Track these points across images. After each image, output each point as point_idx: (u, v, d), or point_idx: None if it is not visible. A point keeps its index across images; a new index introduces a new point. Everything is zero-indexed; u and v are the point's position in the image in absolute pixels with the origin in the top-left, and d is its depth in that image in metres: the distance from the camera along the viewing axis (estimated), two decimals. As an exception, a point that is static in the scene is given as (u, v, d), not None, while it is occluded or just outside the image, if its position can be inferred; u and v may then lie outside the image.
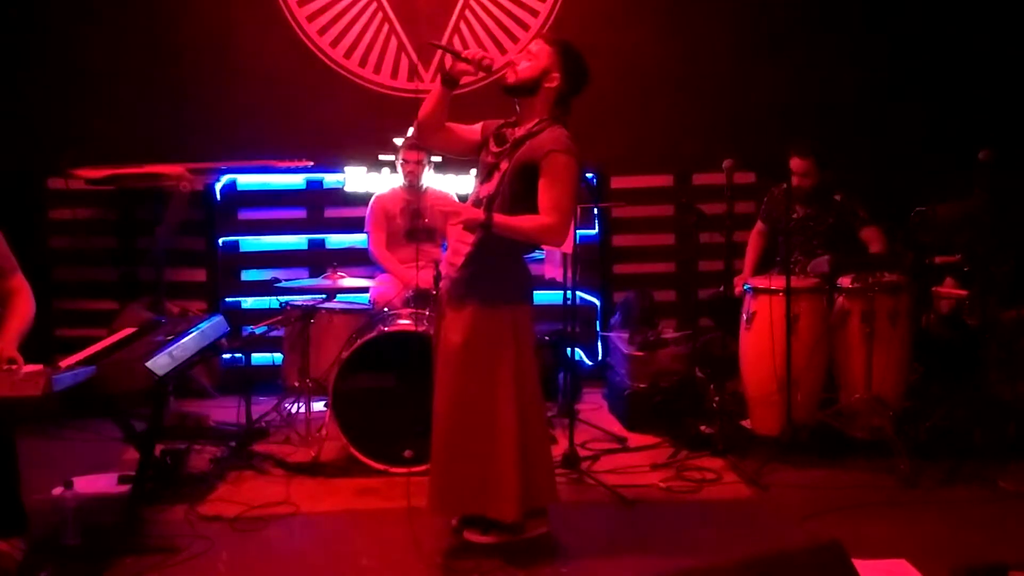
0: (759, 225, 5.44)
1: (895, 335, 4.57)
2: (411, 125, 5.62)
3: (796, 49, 6.16)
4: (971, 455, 4.36)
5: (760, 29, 6.20)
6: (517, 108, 3.54)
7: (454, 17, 6.13)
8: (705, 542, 3.68)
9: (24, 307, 3.46)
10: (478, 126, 3.65)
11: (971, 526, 3.78)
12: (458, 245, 3.55)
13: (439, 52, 6.06)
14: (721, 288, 5.08)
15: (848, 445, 4.53)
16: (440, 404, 3.54)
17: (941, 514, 3.90)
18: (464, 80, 3.54)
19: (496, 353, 3.44)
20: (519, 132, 3.49)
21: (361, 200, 5.77)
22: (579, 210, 4.33)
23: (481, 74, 3.53)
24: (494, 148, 3.54)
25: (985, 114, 5.88)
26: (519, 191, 3.42)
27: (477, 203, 3.51)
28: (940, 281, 5.10)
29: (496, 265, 3.48)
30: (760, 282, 4.76)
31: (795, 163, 5.09)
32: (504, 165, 3.47)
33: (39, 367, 3.18)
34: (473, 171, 3.94)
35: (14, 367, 3.18)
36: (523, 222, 3.39)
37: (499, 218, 3.38)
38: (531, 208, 3.40)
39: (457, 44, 6.15)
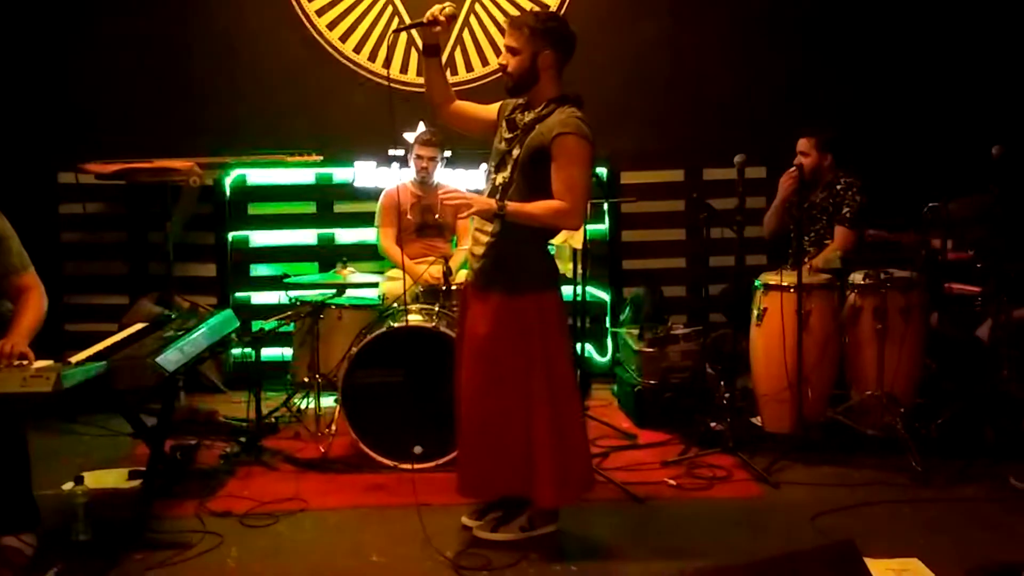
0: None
1: (907, 331, 4.54)
2: (421, 120, 5.66)
3: (807, 44, 6.13)
4: (983, 453, 4.34)
5: (771, 24, 6.17)
6: (526, 96, 3.54)
7: (463, 12, 6.10)
8: (716, 540, 3.67)
9: (36, 304, 3.49)
10: (495, 106, 3.67)
11: (983, 524, 3.76)
12: (478, 235, 3.55)
13: (450, 43, 6.06)
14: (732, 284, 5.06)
15: (859, 442, 4.51)
16: (469, 394, 3.54)
17: (953, 512, 3.88)
18: (440, 37, 3.55)
19: (524, 341, 3.44)
20: (528, 117, 3.48)
21: (371, 195, 5.78)
22: (589, 206, 4.32)
23: (452, 24, 3.55)
24: (506, 135, 3.54)
25: (998, 110, 5.85)
26: (532, 177, 3.42)
27: (493, 191, 3.51)
28: (952, 277, 5.07)
29: (518, 254, 3.48)
30: (771, 278, 4.74)
31: (799, 142, 5.13)
32: (516, 152, 3.46)
33: (50, 363, 3.19)
34: (483, 165, 3.95)
35: (25, 363, 3.19)
36: (538, 208, 3.38)
37: (513, 206, 3.38)
38: (547, 193, 3.39)
39: (467, 39, 6.14)
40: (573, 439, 3.54)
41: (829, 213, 5.11)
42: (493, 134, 3.63)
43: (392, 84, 5.88)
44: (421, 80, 5.83)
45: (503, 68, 3.51)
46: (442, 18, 3.45)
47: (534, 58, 3.44)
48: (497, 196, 3.46)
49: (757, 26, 6.19)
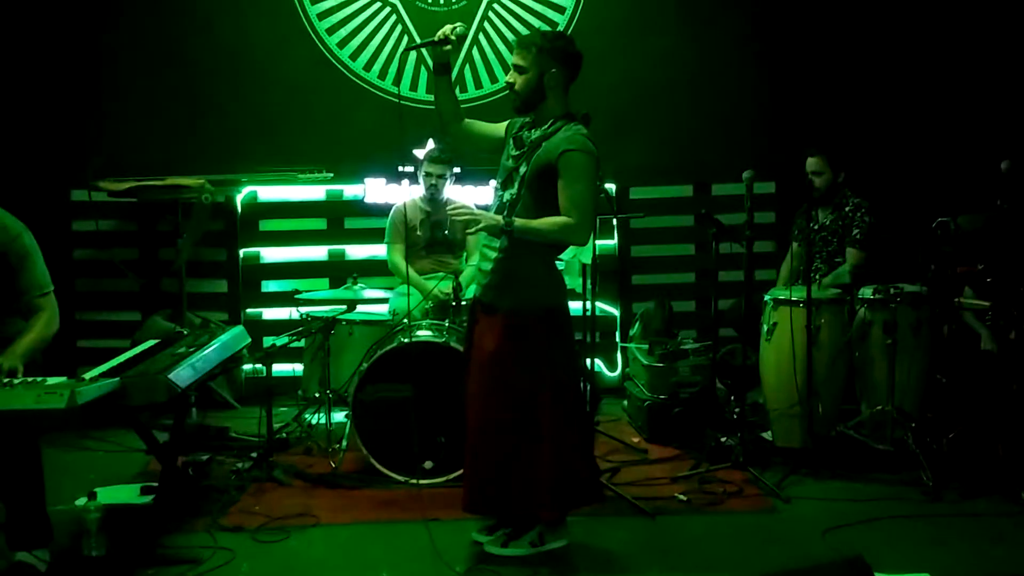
0: (792, 246, 5.38)
1: (917, 346, 4.54)
2: (431, 136, 5.69)
3: (816, 59, 6.15)
4: (994, 467, 4.32)
5: (779, 39, 6.20)
6: (532, 114, 3.57)
7: (473, 30, 6.14)
8: (726, 555, 3.66)
9: (43, 326, 3.48)
10: (503, 124, 3.71)
11: (994, 539, 3.74)
12: (486, 251, 3.58)
13: (460, 60, 6.10)
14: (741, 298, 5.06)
15: (870, 457, 4.50)
16: (475, 408, 3.56)
17: (964, 527, 3.87)
18: (451, 55, 3.58)
19: (530, 356, 3.46)
20: (535, 134, 3.52)
21: (381, 211, 5.80)
22: (598, 221, 4.34)
23: (462, 43, 3.58)
24: (513, 152, 3.57)
25: (1007, 124, 5.85)
26: (539, 194, 3.45)
27: (500, 208, 3.54)
28: (962, 292, 5.06)
29: (525, 269, 3.50)
30: (781, 293, 4.74)
31: (808, 161, 5.12)
32: (523, 169, 3.49)
33: (63, 379, 3.21)
34: (492, 181, 3.97)
35: (13, 380, 3.20)
36: (545, 224, 3.41)
37: (520, 222, 3.41)
38: (554, 210, 3.42)
39: (476, 57, 6.18)
40: (575, 453, 3.55)
41: (839, 235, 5.12)
42: (501, 152, 3.67)
43: (402, 101, 5.97)
44: (431, 97, 5.90)
45: (510, 86, 3.54)
46: (452, 37, 3.51)
47: (540, 77, 3.47)
48: (504, 212, 3.49)
49: (765, 42, 6.21)
